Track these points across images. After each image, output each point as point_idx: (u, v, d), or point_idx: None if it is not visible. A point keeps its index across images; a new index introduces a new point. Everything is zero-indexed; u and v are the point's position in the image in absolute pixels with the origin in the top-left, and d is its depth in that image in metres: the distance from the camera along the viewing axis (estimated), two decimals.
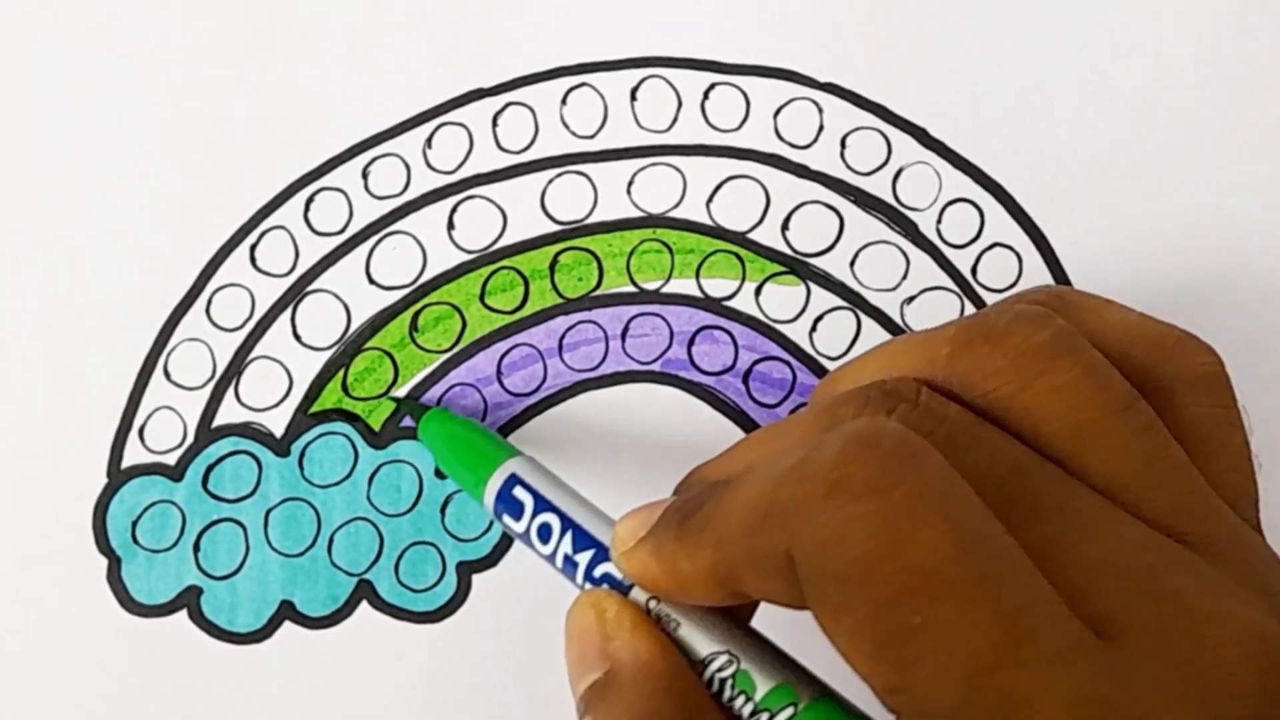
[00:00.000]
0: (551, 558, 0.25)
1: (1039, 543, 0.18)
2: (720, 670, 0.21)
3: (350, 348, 0.31)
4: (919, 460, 0.18)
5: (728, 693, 0.21)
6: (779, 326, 0.31)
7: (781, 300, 0.31)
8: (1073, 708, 0.17)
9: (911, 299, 0.31)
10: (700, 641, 0.22)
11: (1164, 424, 0.21)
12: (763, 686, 0.20)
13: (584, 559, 0.24)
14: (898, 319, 0.31)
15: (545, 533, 0.25)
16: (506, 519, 0.26)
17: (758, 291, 0.31)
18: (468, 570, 0.30)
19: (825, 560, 0.18)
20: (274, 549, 0.31)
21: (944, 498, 0.18)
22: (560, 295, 0.31)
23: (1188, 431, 0.21)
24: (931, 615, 0.17)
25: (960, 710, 0.17)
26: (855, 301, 0.31)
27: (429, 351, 0.31)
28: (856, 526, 0.18)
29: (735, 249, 0.31)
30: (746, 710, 0.20)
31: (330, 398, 0.31)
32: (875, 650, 0.18)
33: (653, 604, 0.22)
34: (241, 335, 0.31)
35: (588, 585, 0.24)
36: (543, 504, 0.26)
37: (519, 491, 0.26)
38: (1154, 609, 0.18)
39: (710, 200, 0.31)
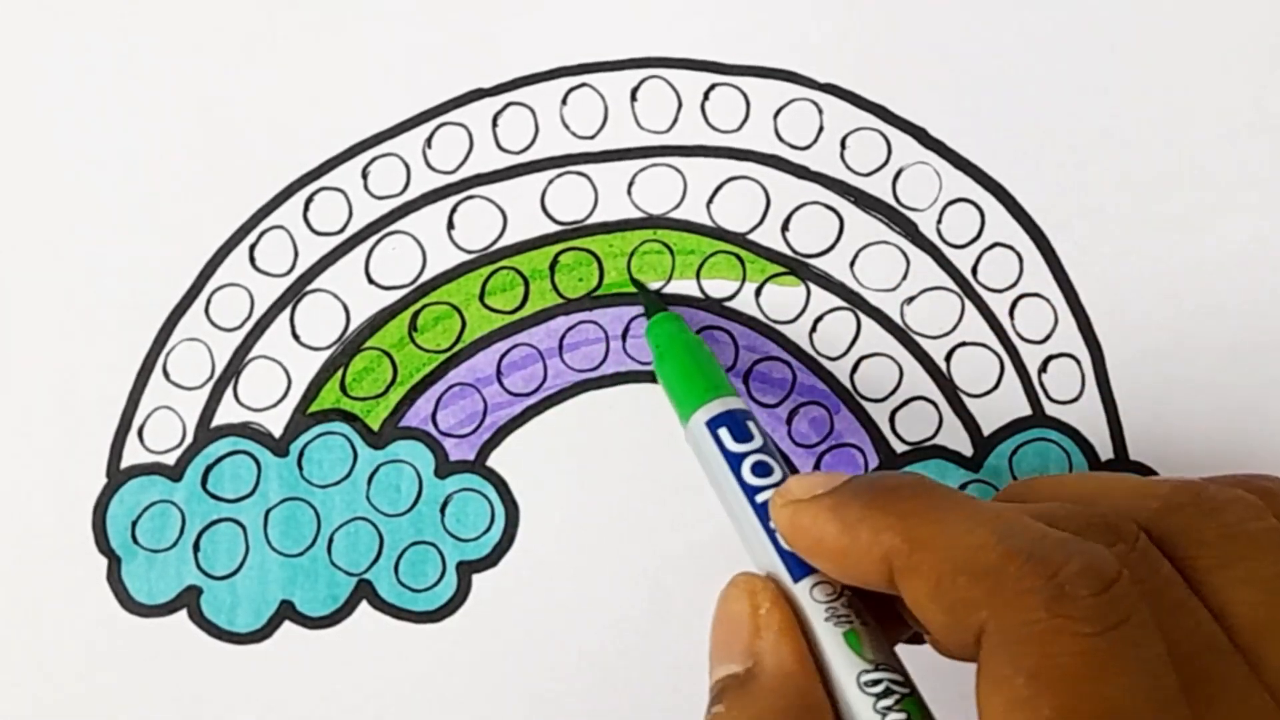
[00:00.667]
0: (752, 495, 0.25)
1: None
2: (879, 687, 0.21)
3: (349, 347, 0.31)
4: (1138, 610, 0.19)
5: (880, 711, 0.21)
6: (779, 327, 0.31)
7: (781, 301, 0.31)
8: None
9: (911, 299, 0.31)
10: (868, 647, 0.22)
11: None
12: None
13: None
14: (898, 319, 0.31)
15: (762, 469, 0.25)
16: (724, 434, 0.26)
17: (758, 292, 0.31)
18: (468, 570, 0.30)
19: (1026, 650, 0.18)
20: (274, 549, 0.31)
21: (1148, 651, 0.18)
22: (560, 295, 0.31)
23: None
24: None
25: None
26: (855, 302, 0.31)
27: (428, 351, 0.31)
28: (1068, 639, 0.18)
29: (735, 250, 0.31)
30: None
31: (329, 397, 0.31)
32: None
33: (816, 596, 0.23)
34: (240, 335, 0.31)
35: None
36: (768, 446, 0.26)
37: (735, 426, 0.26)
38: None
39: (710, 201, 0.31)
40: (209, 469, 0.31)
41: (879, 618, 0.23)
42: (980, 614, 0.19)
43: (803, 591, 0.23)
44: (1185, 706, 0.18)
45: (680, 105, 0.32)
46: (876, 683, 0.21)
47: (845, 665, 0.21)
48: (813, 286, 0.31)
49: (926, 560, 0.20)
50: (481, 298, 0.31)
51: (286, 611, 0.30)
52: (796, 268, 0.31)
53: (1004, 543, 0.19)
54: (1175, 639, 0.19)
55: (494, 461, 0.31)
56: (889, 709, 0.21)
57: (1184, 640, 0.19)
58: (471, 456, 0.31)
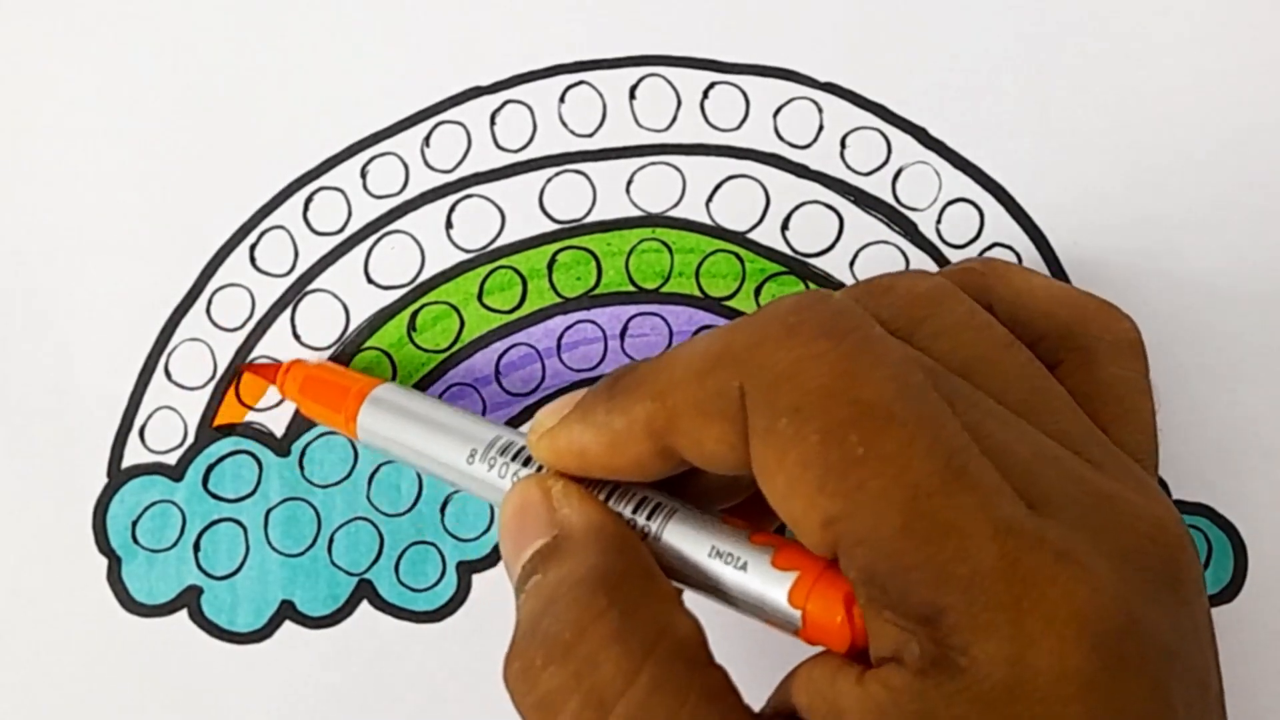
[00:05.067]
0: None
1: (964, 424, 0.19)
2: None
3: (349, 347, 0.31)
4: (866, 319, 0.20)
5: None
6: None
7: None
8: (1001, 534, 0.18)
9: None
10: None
11: (1079, 380, 0.23)
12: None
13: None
14: None
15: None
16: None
17: (757, 291, 0.31)
18: (468, 570, 0.31)
19: (779, 393, 0.19)
20: (274, 549, 0.31)
21: (890, 351, 0.20)
22: (559, 295, 0.31)
23: (1102, 390, 0.23)
24: (876, 445, 0.18)
25: (899, 534, 0.18)
26: None
27: (427, 351, 0.31)
28: (812, 363, 0.19)
29: (735, 249, 0.31)
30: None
31: None
32: (819, 480, 0.18)
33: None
34: (242, 335, 0.31)
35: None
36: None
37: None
38: (1069, 488, 0.19)
39: (710, 200, 0.31)
40: (210, 469, 0.31)
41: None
42: (734, 385, 0.20)
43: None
44: (936, 394, 0.19)
45: (679, 104, 0.32)
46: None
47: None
48: (812, 286, 0.31)
49: (678, 392, 0.20)
50: (480, 297, 0.31)
51: (287, 611, 0.30)
52: (796, 267, 0.31)
53: (727, 334, 0.20)
54: None
55: None
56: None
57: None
58: None
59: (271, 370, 0.31)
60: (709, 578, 0.21)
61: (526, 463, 0.24)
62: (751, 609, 0.21)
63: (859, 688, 0.19)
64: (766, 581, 0.21)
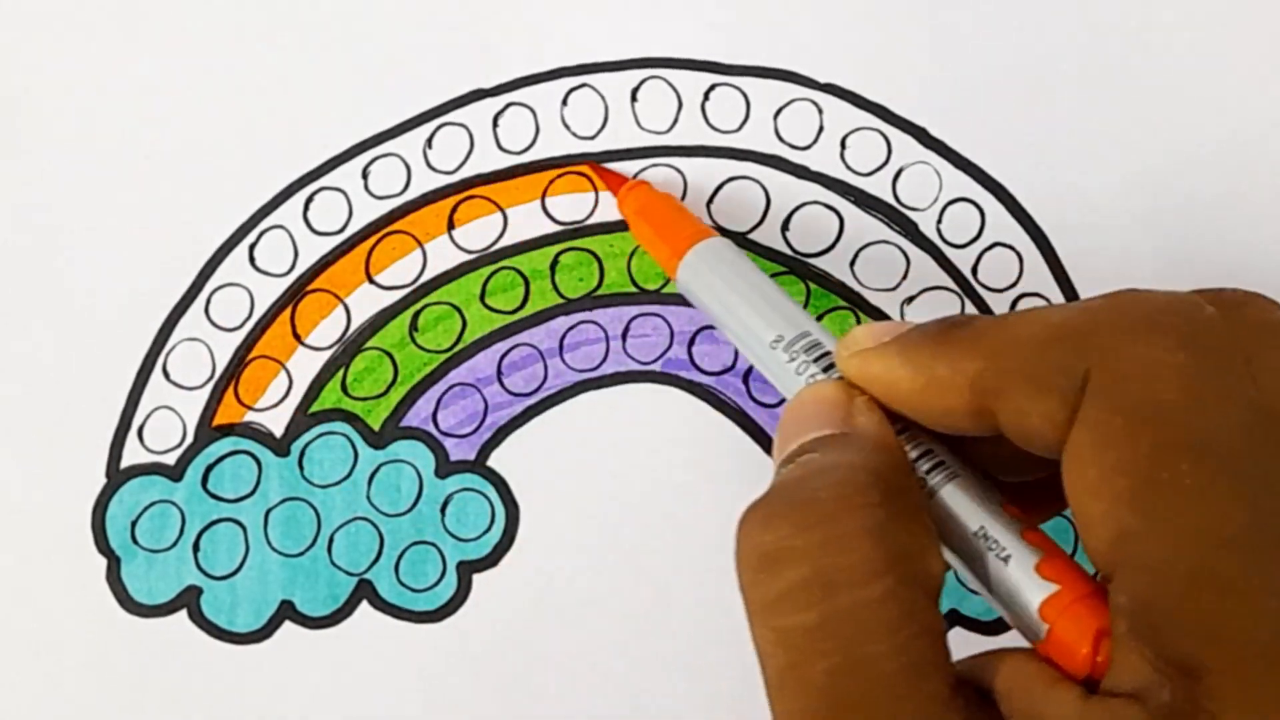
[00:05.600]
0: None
1: None
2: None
3: (350, 347, 0.31)
4: (1231, 343, 0.19)
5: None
6: None
7: None
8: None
9: (911, 299, 0.31)
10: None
11: None
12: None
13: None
14: (898, 319, 0.31)
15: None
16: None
17: None
18: (468, 570, 0.30)
19: (1126, 388, 0.18)
20: (274, 549, 0.30)
21: (1242, 382, 0.18)
22: (561, 295, 0.31)
23: None
24: (1206, 483, 0.17)
25: (1192, 577, 0.17)
26: (855, 301, 0.31)
27: (429, 351, 0.31)
28: (1168, 371, 0.18)
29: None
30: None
31: (330, 397, 0.31)
32: (1131, 491, 0.18)
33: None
34: (241, 335, 0.31)
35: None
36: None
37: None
38: None
39: (711, 201, 0.31)
40: (209, 469, 0.31)
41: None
42: (1081, 368, 0.19)
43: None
44: (1274, 448, 0.18)
45: (680, 105, 0.32)
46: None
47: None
48: (813, 286, 0.31)
49: (1015, 358, 0.19)
50: (482, 298, 0.31)
51: (287, 611, 0.30)
52: (796, 267, 0.31)
53: (1081, 311, 0.19)
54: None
55: (494, 461, 0.31)
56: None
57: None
58: (472, 456, 0.31)
59: (617, 181, 0.30)
60: (970, 554, 0.21)
61: (827, 369, 0.24)
62: (1000, 599, 0.20)
63: (1082, 708, 0.18)
64: (1025, 583, 0.20)
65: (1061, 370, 0.19)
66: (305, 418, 0.31)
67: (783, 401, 0.31)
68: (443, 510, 0.31)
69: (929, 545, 0.20)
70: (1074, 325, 0.19)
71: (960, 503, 0.21)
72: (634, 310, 0.31)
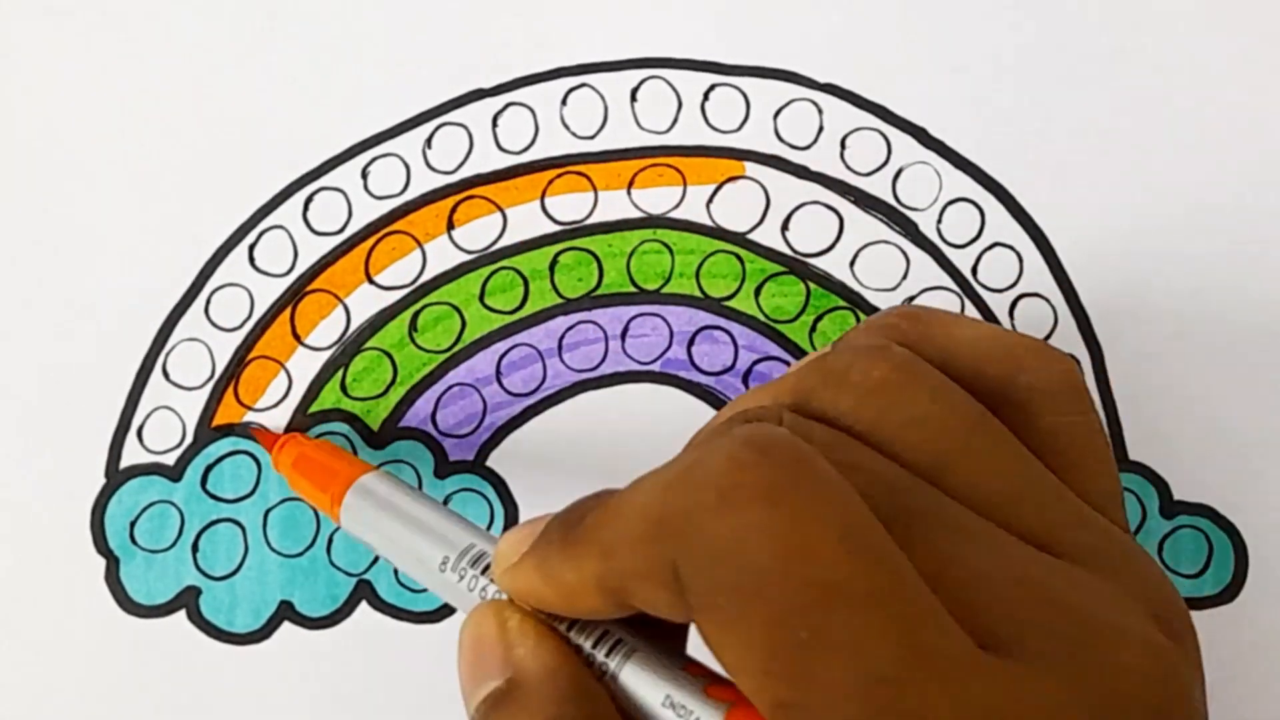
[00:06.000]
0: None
1: (921, 559, 0.18)
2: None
3: (349, 348, 0.31)
4: (811, 466, 0.18)
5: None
6: (779, 326, 0.31)
7: (781, 300, 0.31)
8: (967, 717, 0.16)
9: (911, 299, 0.31)
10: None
11: (1024, 436, 0.21)
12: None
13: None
14: None
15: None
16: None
17: (758, 291, 0.31)
18: None
19: (716, 572, 0.17)
20: (273, 549, 0.30)
21: (838, 509, 0.18)
22: (560, 295, 0.31)
23: (1048, 441, 0.21)
24: (826, 629, 0.17)
25: None
26: (855, 301, 0.31)
27: (428, 351, 0.31)
28: (751, 538, 0.17)
29: (735, 249, 0.31)
30: None
31: (329, 398, 0.31)
32: (765, 664, 0.17)
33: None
34: (241, 335, 0.31)
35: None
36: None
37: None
38: (1042, 621, 0.18)
39: (710, 201, 0.31)
40: (209, 469, 0.31)
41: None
42: (669, 560, 0.18)
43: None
44: (895, 548, 0.18)
45: (680, 105, 0.32)
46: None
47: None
48: (813, 286, 0.31)
49: (622, 557, 0.19)
50: (481, 298, 0.31)
51: (286, 612, 0.30)
52: (796, 267, 0.31)
53: (665, 491, 0.19)
54: (861, 491, 0.18)
55: (493, 461, 0.31)
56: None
57: (866, 487, 0.18)
58: (471, 457, 0.31)
59: (270, 440, 0.30)
60: None
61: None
62: None
63: None
64: None
65: (658, 566, 0.18)
66: (305, 418, 0.31)
67: None
68: None
69: None
70: (655, 514, 0.19)
71: (640, 679, 0.21)
72: (633, 310, 0.31)
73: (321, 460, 0.29)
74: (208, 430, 0.31)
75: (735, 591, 0.17)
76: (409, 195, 0.32)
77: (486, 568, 0.24)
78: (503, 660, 0.22)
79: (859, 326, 0.23)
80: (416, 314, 0.31)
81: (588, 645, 0.21)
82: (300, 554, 0.30)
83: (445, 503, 0.31)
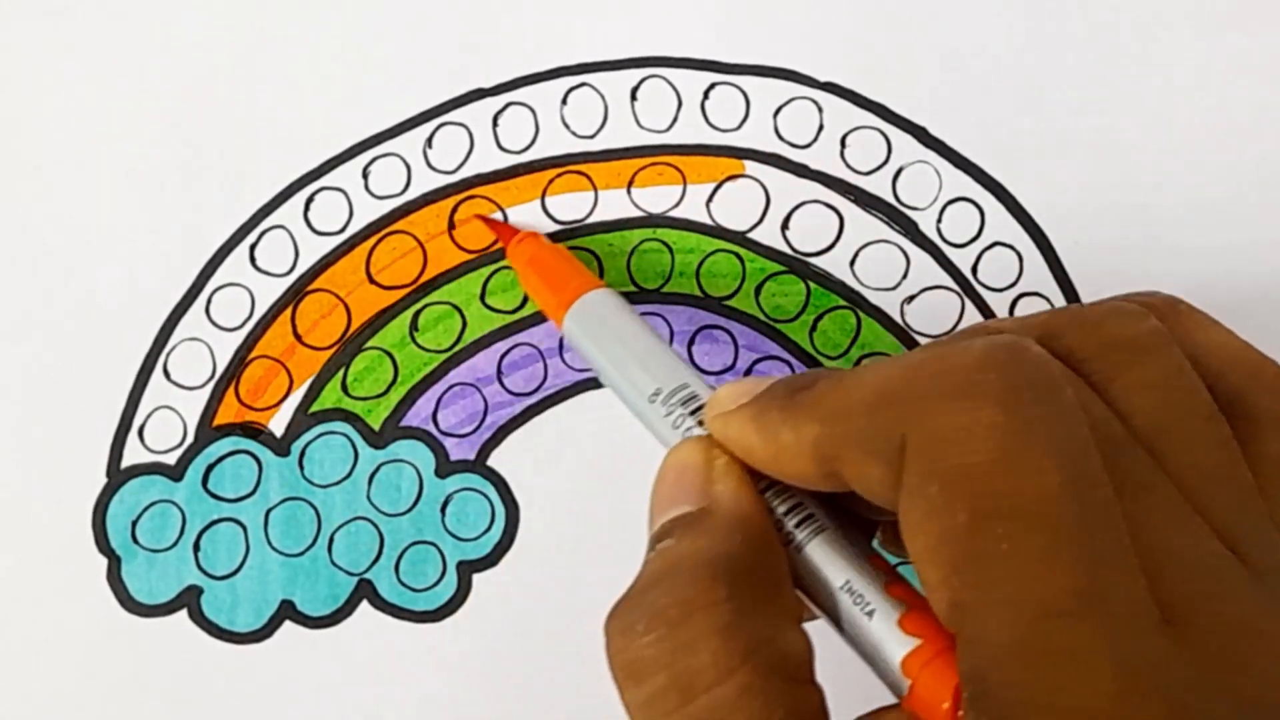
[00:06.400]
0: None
1: (1129, 517, 0.18)
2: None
3: (350, 347, 0.31)
4: (1057, 386, 0.18)
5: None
6: (779, 326, 0.31)
7: (782, 299, 0.31)
8: (1123, 675, 0.17)
9: (911, 298, 0.31)
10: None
11: (1246, 453, 0.21)
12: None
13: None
14: (898, 318, 0.31)
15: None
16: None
17: (758, 291, 0.31)
18: (468, 570, 0.30)
19: (939, 456, 0.18)
20: (274, 549, 0.31)
21: (1067, 435, 0.18)
22: None
23: (1265, 466, 0.21)
24: (1020, 545, 0.17)
25: (1016, 646, 0.17)
26: (855, 301, 0.31)
27: (429, 351, 0.31)
28: (980, 434, 0.18)
29: (735, 249, 0.31)
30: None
31: (330, 397, 0.31)
32: (954, 561, 0.18)
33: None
34: (241, 335, 0.31)
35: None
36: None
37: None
38: (1216, 609, 0.18)
39: (710, 200, 0.31)
40: (210, 469, 0.31)
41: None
42: (898, 434, 0.19)
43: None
44: (1109, 490, 0.18)
45: (680, 104, 0.32)
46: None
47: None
48: (813, 285, 0.31)
49: (846, 423, 0.20)
50: (482, 297, 0.31)
51: (287, 611, 0.30)
52: (796, 267, 0.31)
53: (904, 370, 0.19)
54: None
55: (494, 461, 0.31)
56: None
57: (1094, 435, 0.19)
58: (472, 456, 0.31)
59: (508, 233, 0.30)
60: (835, 609, 0.21)
61: (701, 422, 0.24)
62: (864, 654, 0.20)
63: None
64: (887, 638, 0.20)
65: (884, 436, 0.19)
66: (305, 417, 0.31)
67: None
68: (443, 510, 0.31)
69: (785, 626, 0.20)
70: (894, 388, 0.19)
71: (826, 557, 0.21)
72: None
73: (557, 264, 0.29)
74: (209, 430, 0.31)
75: (949, 482, 0.18)
76: (410, 195, 0.32)
77: (694, 410, 0.24)
78: (701, 490, 0.22)
79: (1115, 297, 0.23)
80: (417, 313, 0.31)
81: (780, 510, 0.22)
82: (301, 553, 0.31)
83: (445, 503, 0.31)
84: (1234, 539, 0.19)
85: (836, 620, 0.21)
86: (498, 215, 0.31)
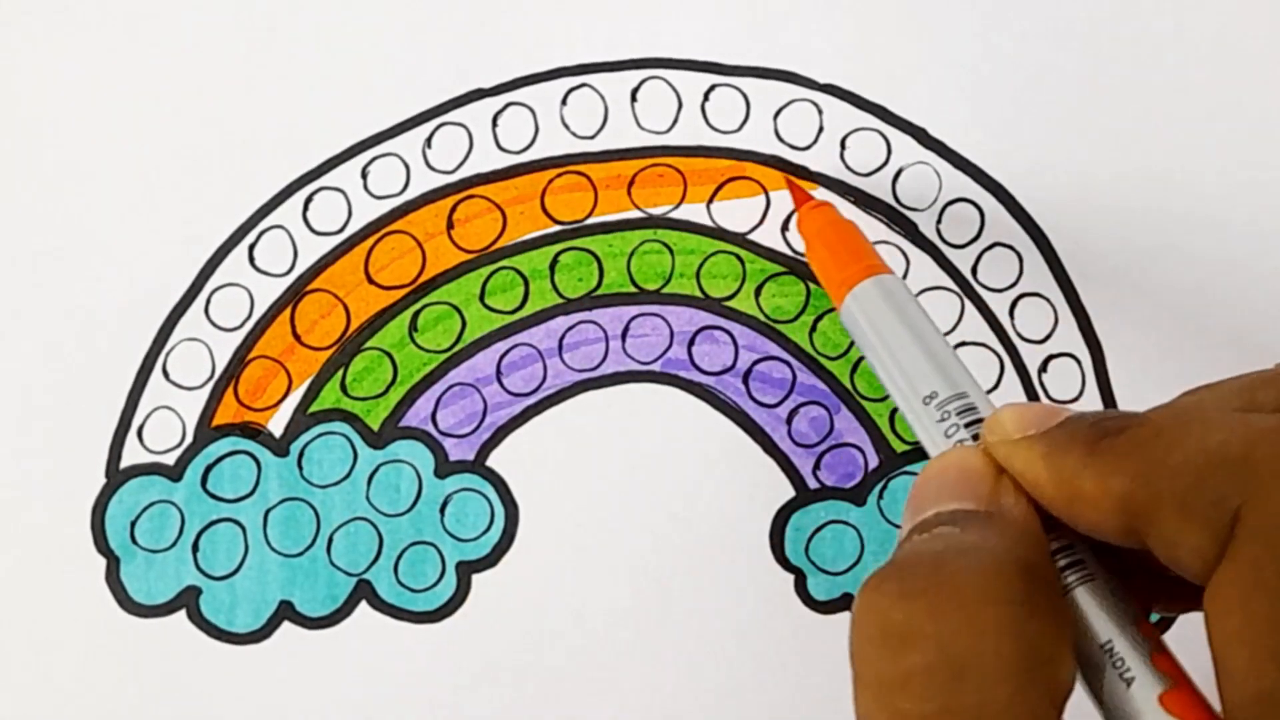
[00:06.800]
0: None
1: None
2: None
3: (350, 347, 0.31)
4: None
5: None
6: (779, 326, 0.31)
7: (782, 300, 0.31)
8: None
9: None
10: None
11: None
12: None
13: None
14: None
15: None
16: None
17: (758, 292, 0.31)
18: (467, 570, 0.30)
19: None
20: (273, 549, 0.30)
21: None
22: (560, 295, 0.31)
23: None
24: None
25: None
26: None
27: (428, 351, 0.31)
28: None
29: (735, 249, 0.31)
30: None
31: (330, 397, 0.31)
32: (1274, 649, 0.16)
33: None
34: (241, 335, 0.31)
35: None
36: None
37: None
38: None
39: (710, 201, 0.31)
40: (209, 469, 0.31)
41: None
42: (1233, 504, 0.17)
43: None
44: None
45: (680, 106, 0.32)
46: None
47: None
48: (813, 286, 0.31)
49: (1168, 482, 0.18)
50: (481, 298, 0.31)
51: (286, 612, 0.30)
52: (796, 267, 0.31)
53: (1246, 430, 0.18)
54: None
55: (494, 461, 0.31)
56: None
57: None
58: (471, 456, 0.31)
59: (802, 197, 0.30)
60: (1091, 664, 0.20)
61: (976, 437, 0.23)
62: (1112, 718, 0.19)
63: None
64: (1144, 710, 0.19)
65: (1215, 503, 0.17)
66: (305, 418, 0.31)
67: (781, 401, 0.31)
68: (442, 510, 0.31)
69: (1064, 652, 0.18)
70: (1233, 453, 0.18)
71: (1092, 609, 0.20)
72: (633, 310, 0.31)
73: (846, 241, 0.28)
74: (208, 430, 0.31)
75: None
76: (409, 195, 0.32)
77: (970, 423, 0.23)
78: (988, 495, 0.21)
79: None
80: (417, 314, 0.31)
81: (1051, 546, 0.20)
82: (300, 554, 0.30)
83: (444, 503, 0.31)
84: None
85: (1090, 676, 0.20)
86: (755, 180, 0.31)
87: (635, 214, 0.31)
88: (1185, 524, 0.18)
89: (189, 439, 0.31)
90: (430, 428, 0.31)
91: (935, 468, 0.22)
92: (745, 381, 0.31)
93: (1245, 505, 0.17)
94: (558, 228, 0.31)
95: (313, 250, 0.31)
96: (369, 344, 0.31)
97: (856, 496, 0.30)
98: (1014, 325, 0.31)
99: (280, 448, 0.31)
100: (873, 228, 0.31)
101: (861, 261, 0.27)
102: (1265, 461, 0.17)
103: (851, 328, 0.27)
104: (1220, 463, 0.18)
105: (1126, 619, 0.20)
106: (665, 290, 0.31)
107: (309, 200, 0.32)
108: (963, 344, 0.31)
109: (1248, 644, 0.17)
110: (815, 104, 0.32)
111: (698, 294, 0.31)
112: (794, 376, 0.31)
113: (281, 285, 0.31)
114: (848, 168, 0.31)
